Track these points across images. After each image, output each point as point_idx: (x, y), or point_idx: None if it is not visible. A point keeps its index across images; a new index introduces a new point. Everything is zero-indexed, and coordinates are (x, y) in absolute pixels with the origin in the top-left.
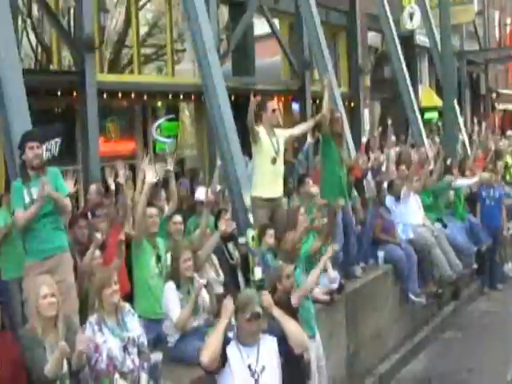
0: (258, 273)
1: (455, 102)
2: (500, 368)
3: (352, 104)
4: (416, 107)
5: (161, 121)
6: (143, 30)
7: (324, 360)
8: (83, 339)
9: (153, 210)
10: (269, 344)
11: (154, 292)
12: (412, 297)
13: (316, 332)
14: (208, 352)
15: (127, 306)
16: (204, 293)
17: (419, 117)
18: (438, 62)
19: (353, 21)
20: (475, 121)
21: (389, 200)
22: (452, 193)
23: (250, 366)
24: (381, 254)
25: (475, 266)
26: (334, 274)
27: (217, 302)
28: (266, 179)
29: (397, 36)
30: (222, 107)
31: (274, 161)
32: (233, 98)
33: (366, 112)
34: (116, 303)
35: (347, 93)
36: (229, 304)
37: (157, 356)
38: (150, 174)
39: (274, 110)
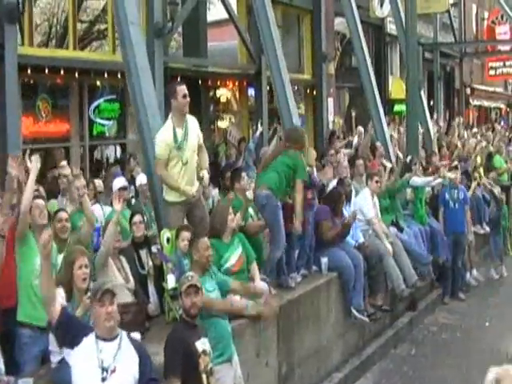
0: (170, 281)
1: (422, 94)
2: None
3: (315, 92)
4: (378, 100)
5: (99, 101)
6: (101, 4)
7: None
8: None
9: (41, 202)
10: (130, 353)
11: (40, 294)
12: (354, 312)
13: (233, 353)
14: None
15: None
16: None
17: (381, 110)
18: (403, 51)
19: (318, 4)
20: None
21: None
22: (409, 191)
23: (102, 362)
24: (324, 260)
25: (433, 275)
26: (260, 285)
27: (122, 313)
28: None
29: (367, 24)
30: (145, 89)
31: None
32: (179, 79)
33: (330, 101)
34: None
35: (310, 80)
36: None
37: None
38: (35, 158)
39: (185, 96)
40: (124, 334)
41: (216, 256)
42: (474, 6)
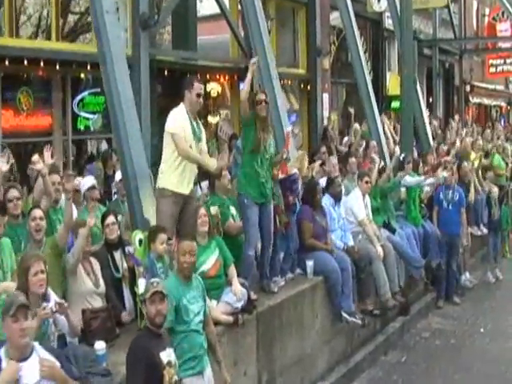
0: (141, 286)
1: (419, 90)
2: None
3: (309, 87)
4: (373, 97)
5: (83, 94)
6: None
7: None
8: None
9: None
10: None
11: None
12: (345, 315)
13: (206, 366)
14: None
15: None
16: (58, 317)
17: (376, 107)
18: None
19: None
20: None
21: (326, 201)
22: (403, 190)
23: None
24: (310, 263)
25: (426, 279)
26: (238, 288)
27: (91, 319)
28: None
29: (365, 19)
30: (120, 83)
31: None
32: (166, 72)
33: (325, 97)
34: None
35: (305, 75)
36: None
37: None
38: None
39: (198, 95)
40: (36, 344)
41: None
42: (475, 3)
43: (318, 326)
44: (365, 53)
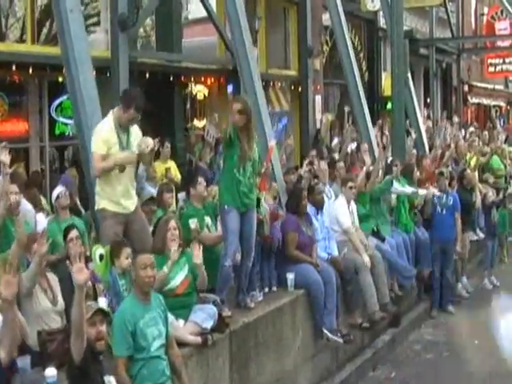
0: (101, 305)
1: (413, 90)
2: None
3: (300, 89)
4: (363, 98)
5: (62, 99)
6: None
7: None
8: None
9: None
10: None
11: None
12: (327, 333)
13: None
14: None
15: None
16: None
17: (366, 109)
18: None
19: None
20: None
21: (308, 209)
22: (394, 197)
23: None
24: (290, 276)
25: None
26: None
27: (47, 341)
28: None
29: (360, 19)
30: (84, 84)
31: (121, 168)
32: (147, 74)
33: (317, 99)
34: None
35: (296, 76)
36: None
37: None
38: None
39: (130, 120)
40: None
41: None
42: (473, 1)
43: (299, 343)
44: (359, 53)
